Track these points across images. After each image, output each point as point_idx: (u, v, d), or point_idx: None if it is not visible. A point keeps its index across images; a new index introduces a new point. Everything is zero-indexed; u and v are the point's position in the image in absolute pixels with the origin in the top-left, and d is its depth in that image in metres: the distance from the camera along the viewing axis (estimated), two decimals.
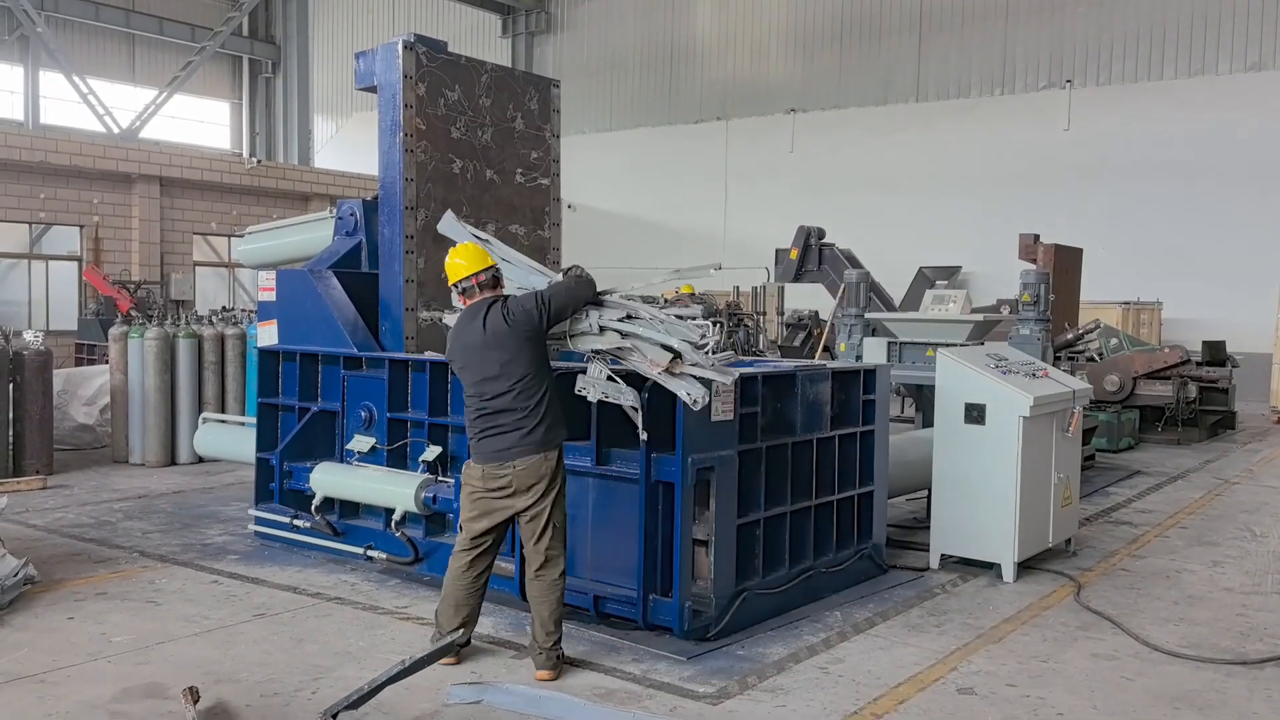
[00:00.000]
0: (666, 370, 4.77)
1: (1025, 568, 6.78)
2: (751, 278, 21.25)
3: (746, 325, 18.09)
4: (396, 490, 6.49)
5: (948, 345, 7.65)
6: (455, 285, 5.04)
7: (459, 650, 4.97)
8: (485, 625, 5.62)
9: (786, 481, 5.91)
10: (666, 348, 4.79)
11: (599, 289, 5.06)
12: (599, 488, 5.60)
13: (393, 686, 4.44)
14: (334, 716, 3.74)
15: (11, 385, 9.71)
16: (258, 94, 31.95)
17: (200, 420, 9.18)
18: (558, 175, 7.98)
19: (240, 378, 10.95)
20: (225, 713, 4.43)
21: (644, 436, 5.07)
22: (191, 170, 21.45)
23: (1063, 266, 13.25)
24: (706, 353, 4.84)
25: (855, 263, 12.14)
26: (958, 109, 23.84)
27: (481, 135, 7.37)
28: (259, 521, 7.43)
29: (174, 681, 4.60)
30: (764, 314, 20.00)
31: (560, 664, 4.88)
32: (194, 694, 4.28)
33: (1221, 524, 8.62)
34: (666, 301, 17.53)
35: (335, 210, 7.81)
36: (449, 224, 5.61)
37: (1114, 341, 14.72)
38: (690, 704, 4.56)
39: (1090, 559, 7.32)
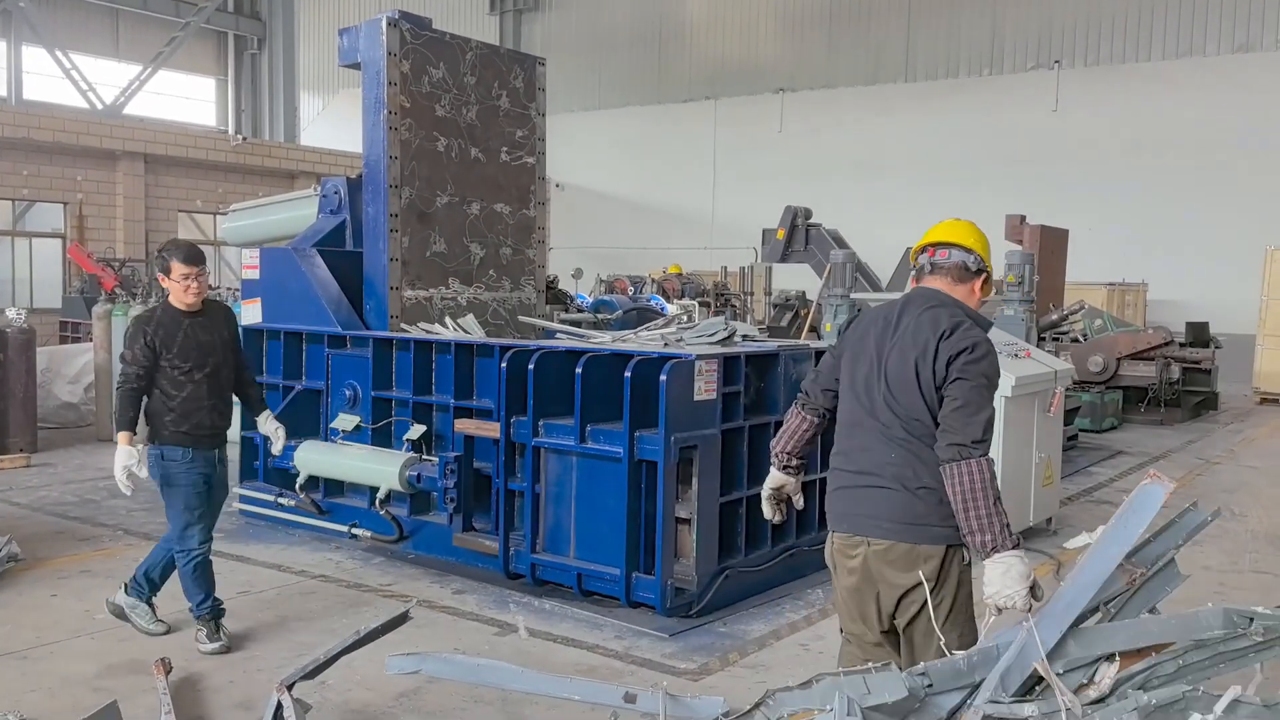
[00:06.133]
0: None
1: None
2: (739, 258, 21.26)
3: (734, 305, 18.11)
4: (381, 469, 6.50)
5: None
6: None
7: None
8: (469, 602, 5.67)
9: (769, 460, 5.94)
10: None
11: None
12: (582, 466, 5.62)
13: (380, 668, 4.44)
14: (289, 687, 3.76)
15: None
16: (243, 70, 31.65)
17: None
18: (543, 154, 7.96)
19: None
20: (196, 684, 4.45)
21: None
22: (176, 147, 21.26)
23: (1049, 247, 13.30)
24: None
25: (841, 243, 12.15)
26: (946, 89, 23.81)
27: (466, 113, 7.34)
28: (243, 500, 7.43)
29: (157, 658, 4.61)
30: (751, 294, 20.01)
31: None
32: (166, 665, 4.30)
33: (1201, 503, 8.67)
34: (653, 281, 17.56)
35: (319, 188, 7.78)
36: None
37: (1098, 322, 14.79)
38: (672, 680, 4.60)
39: (1071, 538, 7.37)
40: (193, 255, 4.99)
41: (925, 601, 3.00)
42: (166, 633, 5.05)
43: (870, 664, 2.83)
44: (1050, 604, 2.75)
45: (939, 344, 3.03)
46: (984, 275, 3.23)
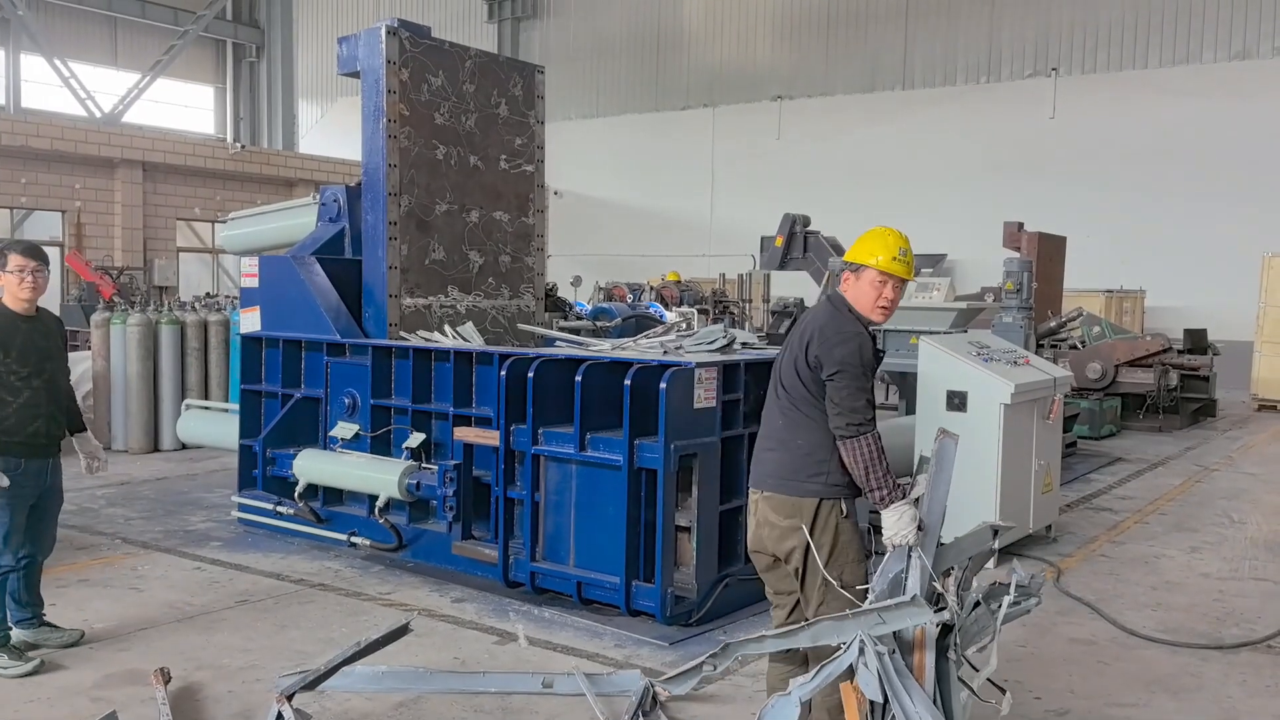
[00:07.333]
0: None
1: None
2: (738, 265, 21.28)
3: (732, 313, 18.12)
4: (380, 477, 6.49)
5: (931, 333, 7.68)
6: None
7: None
8: (469, 611, 5.65)
9: None
10: None
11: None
12: (581, 474, 5.61)
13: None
14: (289, 697, 3.76)
15: None
16: (241, 78, 31.69)
17: (183, 407, 9.15)
18: (542, 161, 7.97)
19: (223, 364, 10.91)
20: (195, 694, 4.44)
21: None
22: (175, 155, 21.31)
23: (1046, 254, 13.27)
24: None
25: (840, 250, 12.13)
26: (944, 97, 23.85)
27: (465, 121, 7.34)
28: (242, 508, 7.42)
29: (155, 668, 4.60)
30: (750, 301, 20.02)
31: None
32: (165, 675, 4.29)
33: (1201, 510, 8.70)
34: (652, 288, 17.57)
35: (318, 196, 7.78)
36: None
37: (1096, 329, 14.80)
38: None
39: (1070, 545, 7.37)
40: (32, 249, 4.80)
41: (805, 545, 3.66)
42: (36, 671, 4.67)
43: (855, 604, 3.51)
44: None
45: (815, 335, 3.74)
46: (857, 271, 3.81)
